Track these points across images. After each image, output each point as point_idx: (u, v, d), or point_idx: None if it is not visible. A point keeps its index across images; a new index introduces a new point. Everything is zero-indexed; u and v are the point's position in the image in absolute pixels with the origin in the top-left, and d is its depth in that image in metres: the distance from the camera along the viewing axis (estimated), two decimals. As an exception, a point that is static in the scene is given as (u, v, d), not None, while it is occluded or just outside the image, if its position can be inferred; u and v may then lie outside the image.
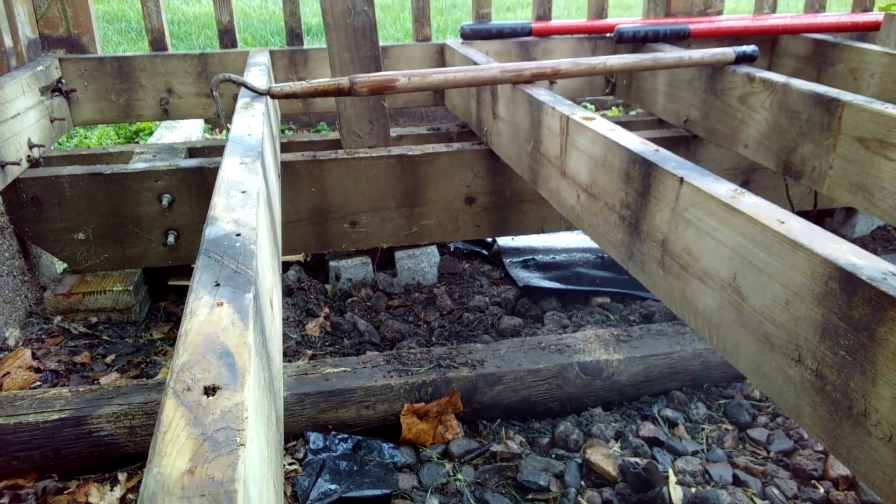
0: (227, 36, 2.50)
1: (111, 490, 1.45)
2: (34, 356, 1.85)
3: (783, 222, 0.89)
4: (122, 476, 1.48)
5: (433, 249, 2.32)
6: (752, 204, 0.95)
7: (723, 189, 1.01)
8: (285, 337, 1.92)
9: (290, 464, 1.49)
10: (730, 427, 1.65)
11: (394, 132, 2.38)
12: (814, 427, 0.84)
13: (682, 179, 1.08)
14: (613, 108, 4.25)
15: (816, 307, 0.81)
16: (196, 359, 0.60)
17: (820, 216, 2.63)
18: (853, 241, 2.59)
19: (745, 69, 1.89)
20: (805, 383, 0.84)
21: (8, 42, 2.11)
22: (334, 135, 2.40)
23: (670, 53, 1.91)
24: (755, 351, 0.92)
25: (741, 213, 0.94)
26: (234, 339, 0.63)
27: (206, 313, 0.67)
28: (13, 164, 1.86)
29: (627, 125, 2.42)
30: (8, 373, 1.74)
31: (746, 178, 2.34)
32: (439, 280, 2.33)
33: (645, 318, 2.08)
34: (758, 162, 1.86)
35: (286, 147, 2.33)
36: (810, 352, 0.83)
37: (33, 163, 2.03)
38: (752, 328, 0.92)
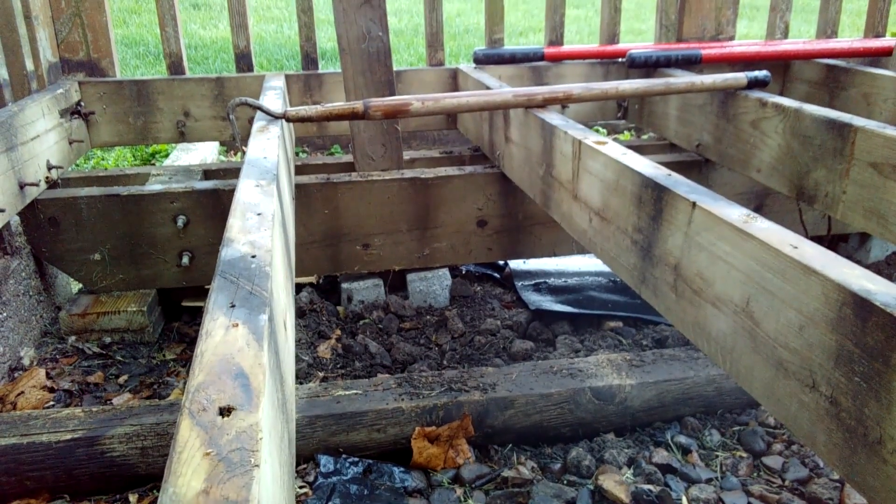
0: (243, 60, 2.54)
1: (122, 511, 1.45)
2: (48, 376, 1.86)
3: (796, 247, 0.89)
4: (133, 497, 1.48)
5: (445, 272, 2.33)
6: (765, 229, 0.95)
7: (735, 214, 1.01)
8: (297, 359, 1.92)
9: (301, 487, 1.48)
10: (744, 454, 1.63)
11: (406, 155, 2.40)
12: (829, 455, 0.83)
13: (694, 204, 1.08)
14: (625, 132, 4.26)
15: (830, 333, 0.81)
16: (211, 379, 0.60)
17: (834, 241, 2.61)
18: (868, 266, 2.57)
19: (757, 94, 1.89)
20: (820, 410, 0.84)
21: (29, 66, 2.15)
22: (348, 158, 2.42)
23: (682, 78, 1.92)
24: (769, 377, 0.92)
25: (754, 237, 0.94)
26: (249, 361, 0.63)
27: (221, 334, 0.68)
28: (32, 184, 1.89)
29: (639, 149, 2.43)
30: (22, 392, 1.76)
31: (759, 202, 2.33)
32: (451, 303, 2.33)
33: (658, 343, 2.07)
34: (771, 187, 1.86)
35: (300, 170, 2.35)
36: (825, 378, 0.82)
37: (51, 184, 2.06)
38: (766, 354, 0.92)
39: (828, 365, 0.82)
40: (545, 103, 1.76)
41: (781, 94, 2.66)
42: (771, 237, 0.92)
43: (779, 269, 0.89)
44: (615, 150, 1.38)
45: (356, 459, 1.55)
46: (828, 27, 2.81)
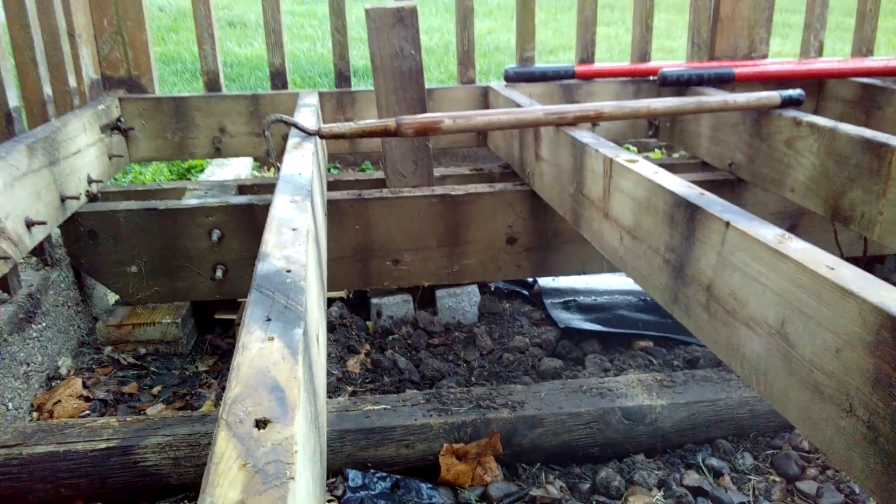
0: (278, 78, 2.58)
1: (153, 520, 1.47)
2: (84, 385, 1.90)
3: (833, 269, 0.88)
4: (164, 507, 1.50)
5: (474, 289, 2.33)
6: (801, 249, 0.94)
7: (770, 234, 1.01)
8: (327, 373, 1.94)
9: (329, 501, 1.49)
10: (777, 478, 1.60)
11: (437, 172, 2.41)
12: (866, 480, 0.82)
13: (727, 223, 1.07)
14: (656, 150, 4.24)
15: (868, 356, 0.79)
16: (248, 392, 0.61)
17: (870, 263, 2.56)
18: (906, 288, 2.52)
19: (791, 113, 1.87)
20: (856, 435, 0.82)
21: (72, 82, 2.21)
22: (379, 174, 2.45)
23: (715, 97, 1.91)
24: (804, 400, 0.91)
25: (789, 258, 0.93)
26: (285, 374, 0.64)
27: (257, 347, 0.69)
28: (73, 198, 1.94)
29: (671, 168, 2.42)
30: (59, 401, 1.79)
31: (793, 222, 2.30)
32: (479, 320, 2.33)
33: (689, 364, 2.05)
34: (805, 206, 1.84)
35: (332, 185, 2.38)
36: (862, 402, 0.81)
37: (91, 197, 2.11)
38: (802, 376, 0.91)
39: (865, 389, 0.80)
40: (576, 121, 1.76)
41: (816, 113, 2.63)
42: (806, 258, 0.91)
43: (815, 290, 0.88)
44: (647, 168, 1.37)
45: (384, 474, 1.56)
46: (863, 45, 2.78)
